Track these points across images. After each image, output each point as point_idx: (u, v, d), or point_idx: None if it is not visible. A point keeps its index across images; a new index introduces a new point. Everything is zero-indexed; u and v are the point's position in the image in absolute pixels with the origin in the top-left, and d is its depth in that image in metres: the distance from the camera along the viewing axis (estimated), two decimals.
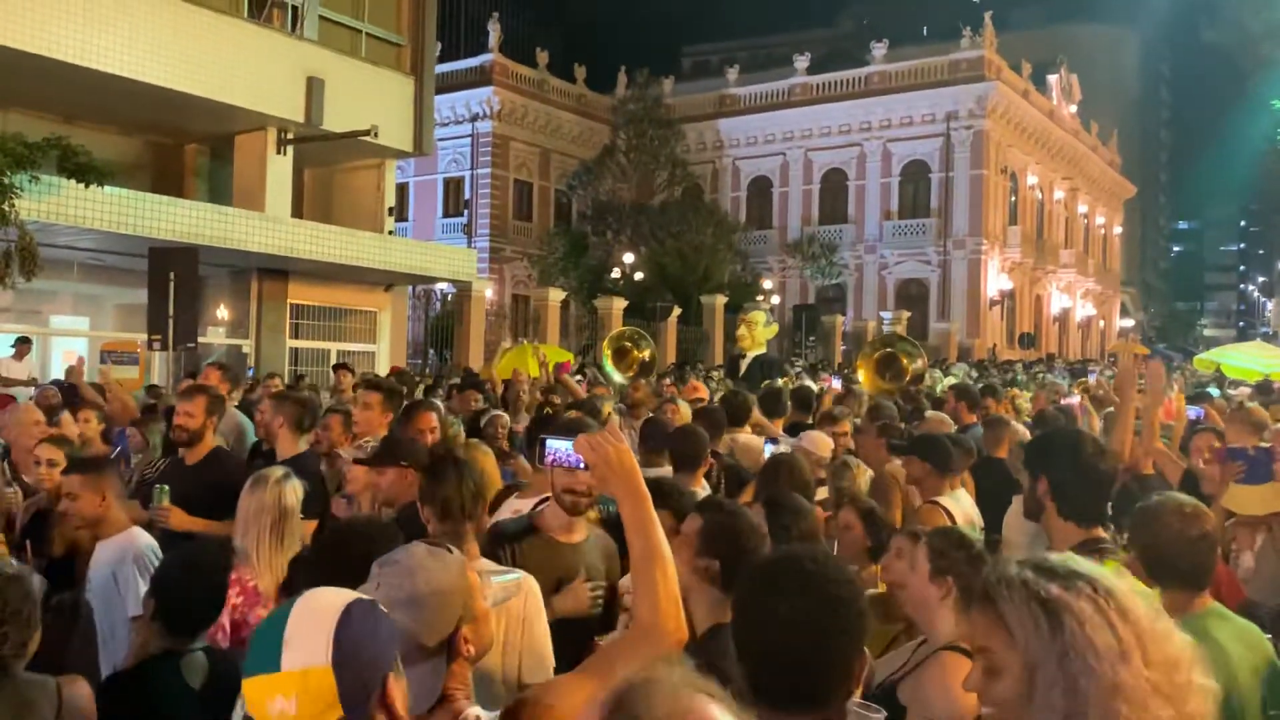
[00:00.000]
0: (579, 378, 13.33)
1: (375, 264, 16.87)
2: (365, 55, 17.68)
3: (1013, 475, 5.58)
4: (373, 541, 2.45)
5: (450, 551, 2.14)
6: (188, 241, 13.39)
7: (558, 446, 2.46)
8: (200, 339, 14.59)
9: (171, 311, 11.94)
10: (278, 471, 3.90)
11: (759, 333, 14.67)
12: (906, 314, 36.90)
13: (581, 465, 2.29)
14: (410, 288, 20.77)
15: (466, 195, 41.32)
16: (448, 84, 36.55)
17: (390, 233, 19.12)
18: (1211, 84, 76.96)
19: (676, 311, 28.35)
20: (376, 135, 16.49)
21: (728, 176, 45.55)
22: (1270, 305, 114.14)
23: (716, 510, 2.74)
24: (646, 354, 10.31)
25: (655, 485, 3.54)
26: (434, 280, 20.32)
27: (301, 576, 2.71)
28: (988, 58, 40.25)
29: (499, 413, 6.82)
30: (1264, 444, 4.77)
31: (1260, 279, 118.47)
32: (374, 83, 17.62)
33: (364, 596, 1.68)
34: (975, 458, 6.11)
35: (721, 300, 30.11)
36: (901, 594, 2.94)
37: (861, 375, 10.37)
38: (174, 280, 11.96)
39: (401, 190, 35.05)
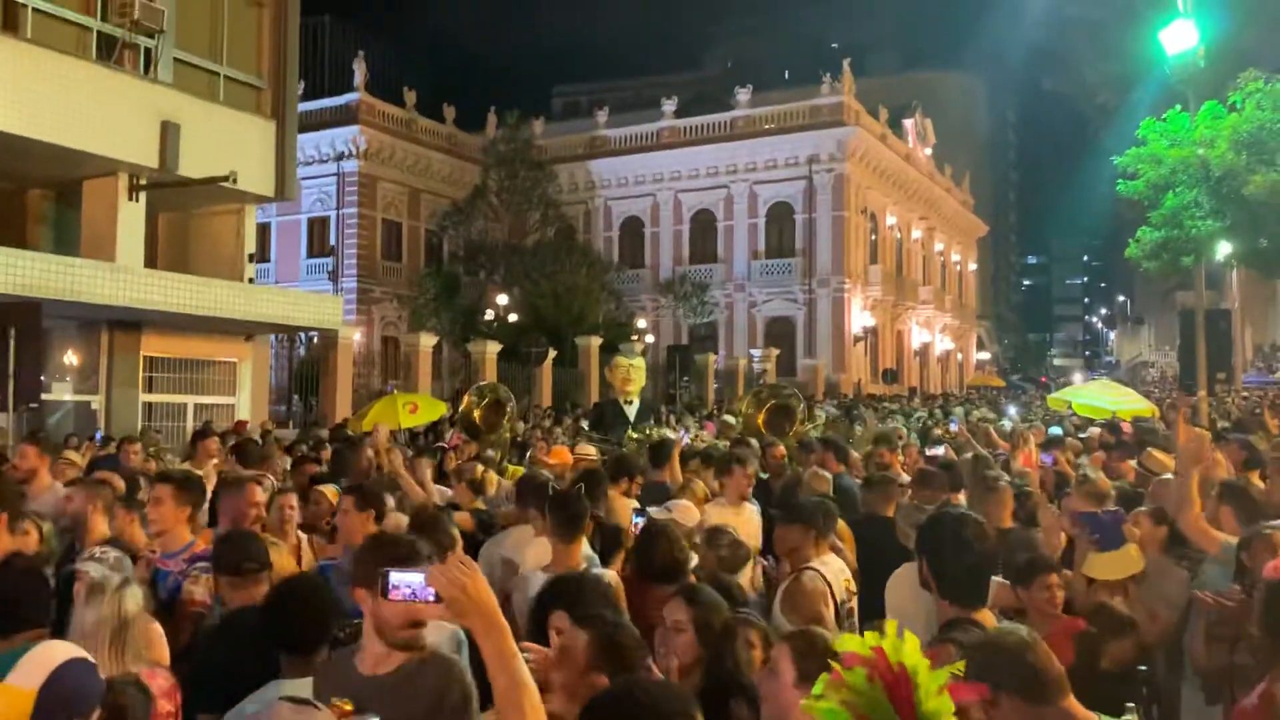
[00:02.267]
0: (451, 432, 13.05)
1: (235, 314, 16.23)
2: (224, 99, 17.10)
3: (897, 535, 5.57)
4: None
5: (317, 709, 2.03)
6: (29, 296, 12.61)
7: (405, 581, 2.26)
8: (44, 395, 13.75)
9: (12, 370, 11.20)
10: (115, 579, 3.63)
11: (642, 378, 14.87)
12: (776, 351, 37.70)
13: (432, 599, 2.15)
14: (273, 335, 20.09)
15: (332, 236, 40.39)
16: (312, 122, 35.77)
17: (251, 280, 18.46)
18: (1054, 129, 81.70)
19: (552, 354, 28.21)
20: (235, 181, 15.94)
21: (600, 217, 45.83)
22: (1113, 335, 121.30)
23: (603, 624, 2.65)
24: (507, 415, 10.17)
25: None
26: (298, 329, 19.69)
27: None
28: (847, 103, 41.73)
29: (324, 489, 6.41)
30: (1112, 509, 4.96)
31: (1103, 311, 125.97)
32: (233, 127, 17.05)
33: (89, 657, 2.11)
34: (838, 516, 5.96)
35: (596, 342, 30.13)
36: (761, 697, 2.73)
37: (751, 423, 10.38)
38: (14, 337, 11.23)
39: (263, 230, 33.96)
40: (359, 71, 39.82)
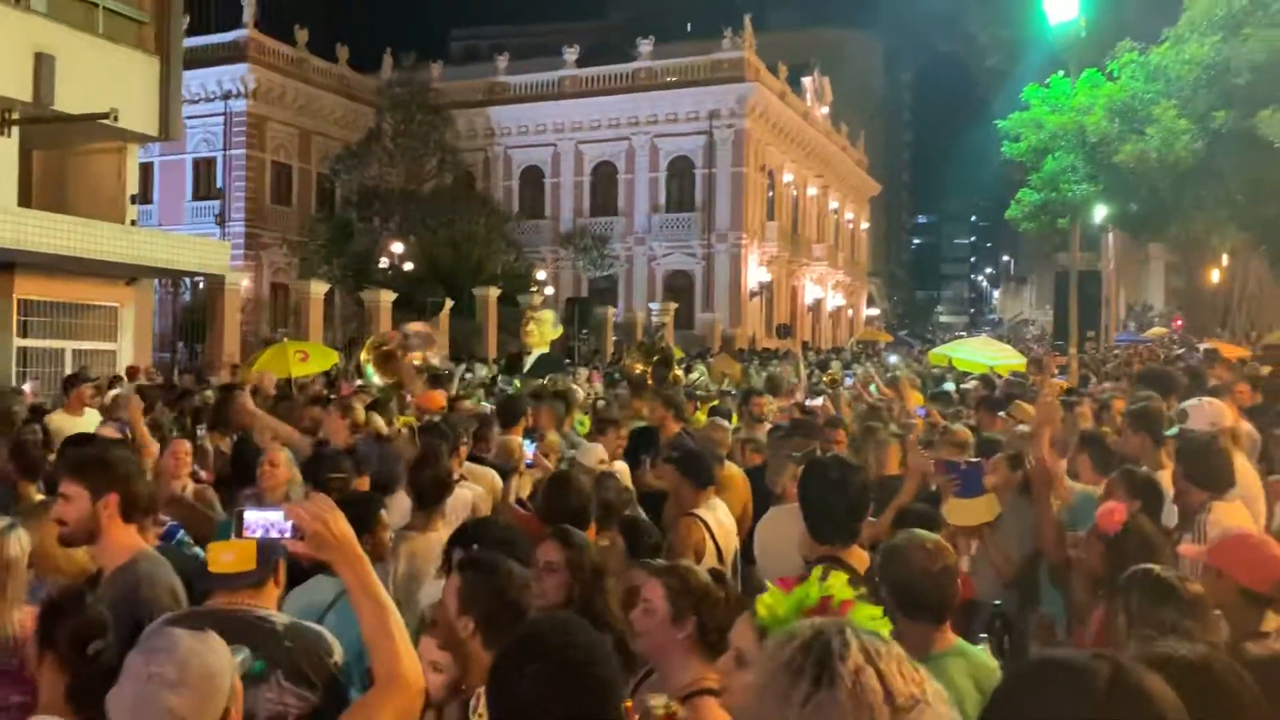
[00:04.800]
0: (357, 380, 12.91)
1: (117, 257, 15.66)
2: (103, 31, 16.32)
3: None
4: None
5: (207, 632, 2.11)
6: None
7: (261, 519, 2.34)
8: None
9: None
10: (2, 521, 3.61)
11: (546, 331, 14.84)
12: (674, 305, 38.04)
13: (290, 534, 2.24)
14: (156, 279, 19.47)
15: (219, 178, 39.04)
16: (198, 59, 34.34)
17: (133, 222, 17.82)
18: (947, 90, 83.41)
19: (449, 304, 27.95)
20: (116, 119, 15.27)
21: (499, 165, 45.30)
22: (996, 294, 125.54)
23: (474, 568, 2.76)
24: (418, 357, 10.06)
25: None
26: (183, 274, 19.12)
27: None
28: (747, 59, 41.94)
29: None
30: (973, 459, 5.28)
31: (988, 270, 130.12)
32: (113, 61, 16.30)
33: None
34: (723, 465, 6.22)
35: (495, 292, 29.93)
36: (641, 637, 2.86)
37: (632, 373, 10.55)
38: None
39: (145, 171, 32.54)
40: (248, 7, 38.33)
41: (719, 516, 5.20)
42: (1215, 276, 39.43)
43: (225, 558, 2.80)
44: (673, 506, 5.30)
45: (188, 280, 20.55)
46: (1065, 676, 1.36)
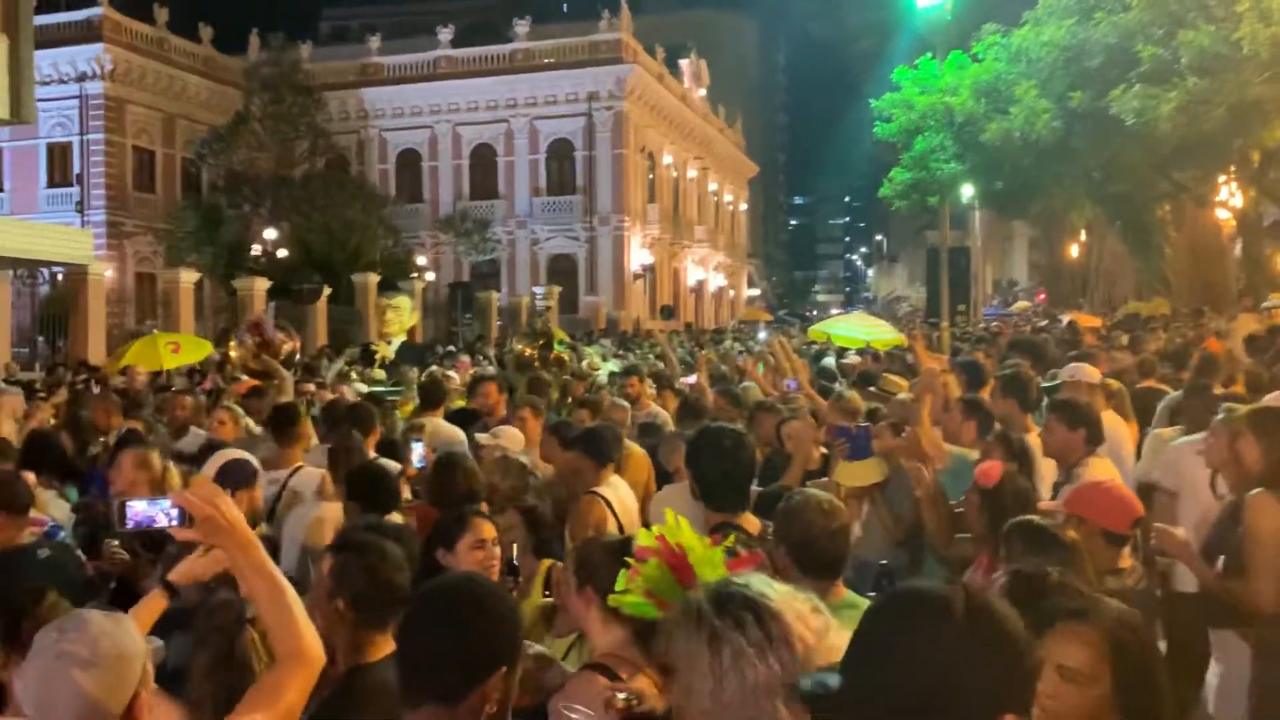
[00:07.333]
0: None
1: None
2: None
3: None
4: None
5: (121, 615, 2.16)
6: None
7: (145, 508, 2.25)
8: None
9: None
10: None
11: (405, 318, 14.60)
12: (558, 288, 37.96)
13: (176, 522, 2.20)
14: (11, 270, 18.45)
15: (76, 163, 37.13)
16: (49, 38, 32.53)
17: None
18: (820, 73, 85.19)
19: (327, 292, 27.24)
20: None
21: (374, 148, 44.33)
22: (871, 273, 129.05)
23: (347, 549, 2.75)
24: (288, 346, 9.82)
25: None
26: (42, 264, 18.20)
27: None
28: (625, 40, 41.98)
29: None
30: (863, 424, 5.46)
31: (862, 249, 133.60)
32: None
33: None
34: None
35: (374, 279, 29.28)
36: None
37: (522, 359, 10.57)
38: None
39: None
40: None
41: (620, 494, 5.25)
42: (1074, 251, 41.39)
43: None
44: (560, 484, 5.32)
45: (45, 271, 19.55)
46: (926, 604, 1.43)
